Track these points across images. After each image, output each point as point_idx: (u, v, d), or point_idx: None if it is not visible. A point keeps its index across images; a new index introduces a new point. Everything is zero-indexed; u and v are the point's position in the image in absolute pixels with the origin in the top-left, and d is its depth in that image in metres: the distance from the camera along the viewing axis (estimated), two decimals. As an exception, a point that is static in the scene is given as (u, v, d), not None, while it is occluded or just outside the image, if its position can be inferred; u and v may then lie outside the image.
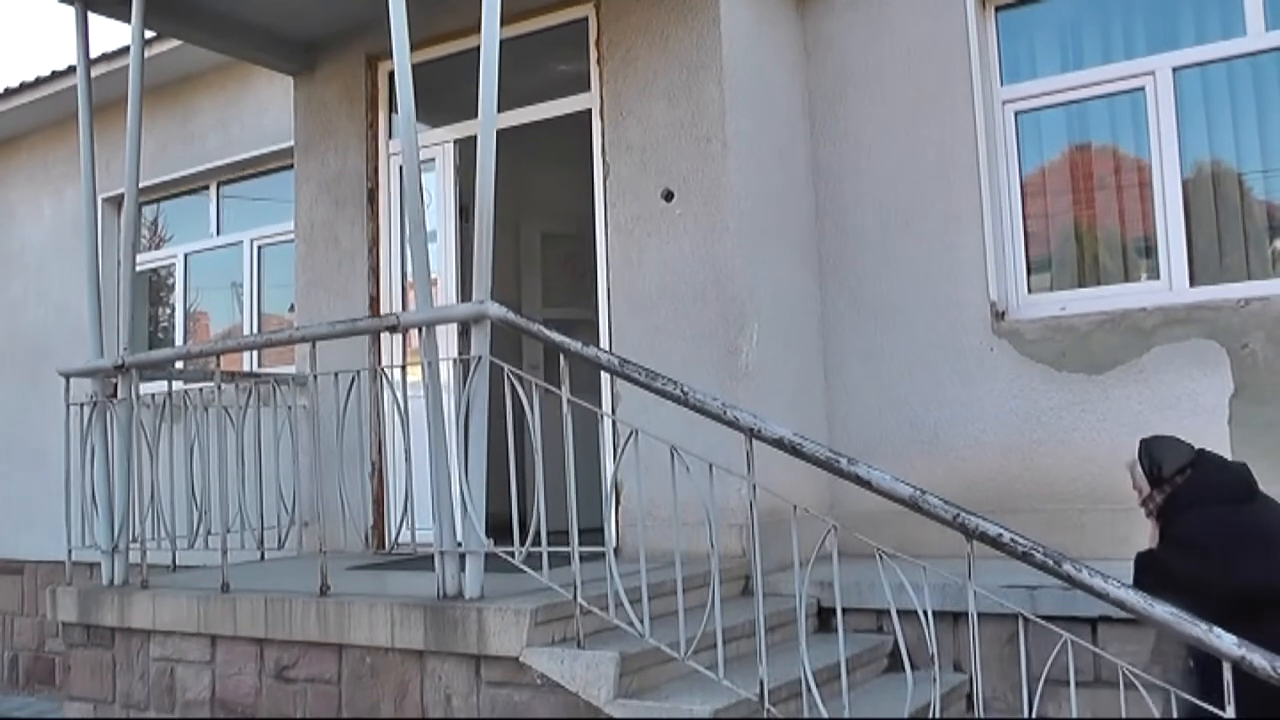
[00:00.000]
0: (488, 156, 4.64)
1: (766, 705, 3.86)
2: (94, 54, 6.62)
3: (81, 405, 5.97)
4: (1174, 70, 5.89)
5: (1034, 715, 3.53)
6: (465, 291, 6.57)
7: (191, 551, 5.80)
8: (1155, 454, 3.98)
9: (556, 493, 4.32)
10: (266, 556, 6.16)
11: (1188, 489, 3.85)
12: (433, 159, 6.98)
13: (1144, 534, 5.18)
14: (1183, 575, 3.70)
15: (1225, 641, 3.19)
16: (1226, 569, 3.63)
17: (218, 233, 9.87)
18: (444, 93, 6.81)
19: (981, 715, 3.76)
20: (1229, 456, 5.35)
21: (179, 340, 10.02)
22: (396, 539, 4.97)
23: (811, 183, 6.69)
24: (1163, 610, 3.25)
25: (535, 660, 4.23)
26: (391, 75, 5.82)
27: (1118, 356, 5.77)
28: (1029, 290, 6.22)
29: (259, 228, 9.47)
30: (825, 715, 3.77)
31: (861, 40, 6.63)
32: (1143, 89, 5.97)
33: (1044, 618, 3.74)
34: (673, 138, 6.11)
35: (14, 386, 10.92)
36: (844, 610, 3.98)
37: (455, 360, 4.84)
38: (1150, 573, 3.85)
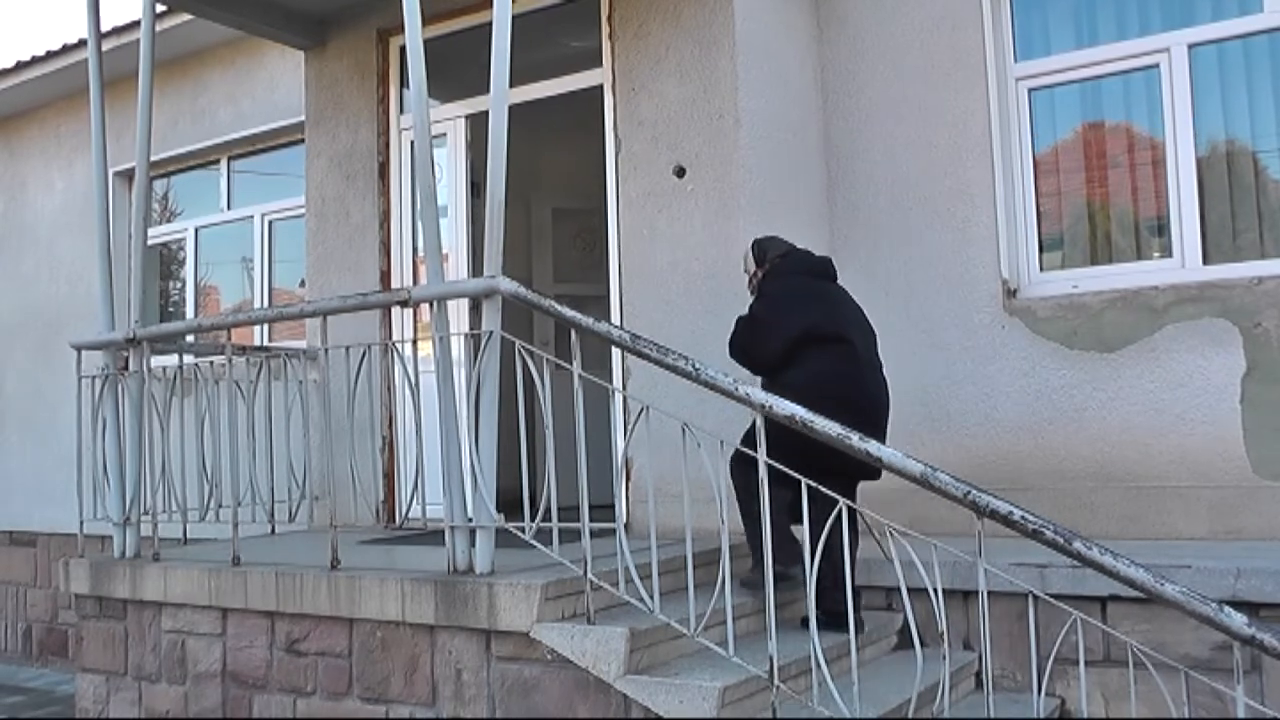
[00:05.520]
0: (499, 132, 4.63)
1: (776, 682, 3.87)
2: (105, 28, 6.61)
3: (93, 378, 5.99)
4: (1189, 47, 5.84)
5: (1043, 693, 3.54)
6: (476, 267, 6.59)
7: (203, 525, 5.82)
8: (763, 244, 5.15)
9: (567, 468, 4.33)
10: (277, 530, 6.19)
11: (781, 266, 5.03)
12: (444, 134, 6.97)
13: (1153, 511, 5.31)
14: (764, 318, 4.84)
15: (1235, 620, 3.22)
16: (796, 312, 4.78)
17: (228, 207, 9.88)
18: (455, 68, 6.79)
19: (990, 693, 3.76)
20: (1240, 436, 5.41)
21: (189, 314, 10.01)
22: (407, 514, 4.97)
23: (823, 159, 6.66)
24: (1173, 590, 3.27)
25: (545, 635, 4.25)
26: (403, 50, 5.81)
27: (1129, 335, 5.75)
28: (1041, 268, 6.20)
29: (270, 202, 9.48)
30: (835, 692, 3.78)
31: (875, 16, 6.58)
32: (1157, 66, 5.93)
33: (1054, 596, 3.75)
34: (684, 113, 6.08)
35: (26, 360, 10.97)
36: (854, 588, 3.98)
37: (466, 335, 4.83)
38: (742, 323, 4.96)
